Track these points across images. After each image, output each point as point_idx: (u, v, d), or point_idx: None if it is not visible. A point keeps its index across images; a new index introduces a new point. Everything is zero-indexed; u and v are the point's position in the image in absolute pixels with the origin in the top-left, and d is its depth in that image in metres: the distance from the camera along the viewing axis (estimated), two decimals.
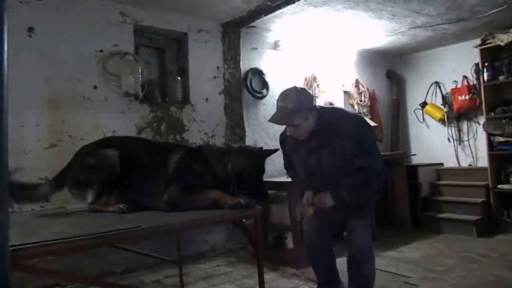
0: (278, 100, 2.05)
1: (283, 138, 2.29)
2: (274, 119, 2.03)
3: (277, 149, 1.96)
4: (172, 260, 2.53)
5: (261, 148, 1.99)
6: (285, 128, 2.20)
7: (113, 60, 3.36)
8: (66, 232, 1.40)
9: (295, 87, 2.10)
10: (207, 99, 3.90)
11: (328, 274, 2.34)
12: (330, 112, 2.15)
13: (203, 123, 3.83)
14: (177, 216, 1.60)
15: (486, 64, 4.59)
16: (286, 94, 2.04)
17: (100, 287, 2.65)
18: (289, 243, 3.87)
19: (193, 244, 3.60)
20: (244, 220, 1.74)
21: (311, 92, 2.19)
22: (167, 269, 3.23)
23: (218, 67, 4.01)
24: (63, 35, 3.13)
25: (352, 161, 2.00)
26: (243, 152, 1.87)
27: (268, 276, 3.15)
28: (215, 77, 3.98)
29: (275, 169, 4.25)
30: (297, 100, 1.98)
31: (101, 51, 3.32)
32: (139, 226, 1.42)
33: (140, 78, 3.41)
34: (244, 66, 4.17)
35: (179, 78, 3.79)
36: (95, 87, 3.26)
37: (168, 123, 3.62)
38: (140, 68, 3.42)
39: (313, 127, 2.05)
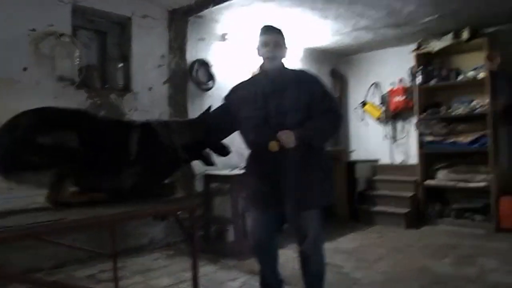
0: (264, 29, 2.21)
1: (235, 88, 2.31)
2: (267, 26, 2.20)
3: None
4: (107, 254, 2.43)
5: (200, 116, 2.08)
6: (239, 83, 2.32)
7: (48, 41, 3.12)
8: None
9: None
10: (150, 88, 3.77)
11: (272, 266, 2.33)
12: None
13: (145, 113, 3.69)
14: (107, 208, 1.54)
15: (420, 68, 4.92)
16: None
17: (24, 283, 2.50)
18: (231, 236, 3.89)
19: (131, 237, 3.49)
20: (179, 212, 1.71)
21: None
22: (102, 263, 3.08)
23: (163, 56, 3.89)
24: None
25: (314, 106, 2.09)
26: (185, 123, 1.90)
27: (208, 268, 3.15)
28: (159, 65, 3.86)
29: (219, 162, 4.25)
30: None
31: (34, 30, 3.07)
32: (65, 218, 1.34)
33: (77, 62, 3.21)
34: (190, 57, 4.09)
35: (121, 64, 3.63)
36: (25, 69, 3.01)
37: (107, 111, 3.44)
38: (77, 51, 3.22)
39: (281, 67, 2.19)
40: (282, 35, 2.20)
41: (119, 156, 1.67)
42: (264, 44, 2.16)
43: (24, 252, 2.84)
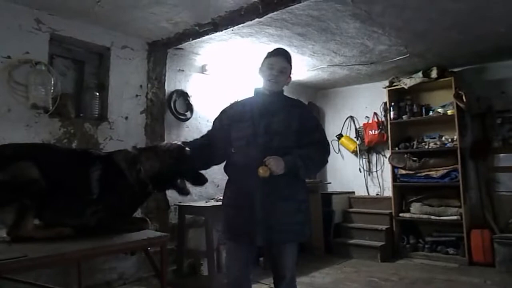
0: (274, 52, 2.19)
1: (229, 107, 2.29)
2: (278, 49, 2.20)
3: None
4: None
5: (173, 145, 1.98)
6: (232, 103, 2.39)
7: (22, 69, 3.07)
8: None
9: None
10: (126, 118, 3.74)
11: None
12: None
13: (120, 142, 3.64)
14: (73, 244, 1.48)
15: (392, 103, 5.11)
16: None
17: None
18: (204, 270, 3.79)
19: (99, 272, 3.32)
20: (149, 248, 1.66)
21: None
22: None
23: (141, 86, 3.89)
24: None
25: (305, 136, 2.06)
26: (160, 151, 1.85)
27: None
28: (137, 95, 3.85)
29: (195, 193, 4.19)
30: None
31: (9, 57, 3.03)
32: (26, 256, 1.28)
33: (52, 90, 3.16)
34: (169, 87, 4.11)
35: (97, 93, 3.60)
36: None
37: (81, 140, 3.38)
38: (53, 79, 3.17)
39: (279, 92, 2.18)
40: (290, 64, 2.18)
41: (81, 195, 1.63)
42: (269, 67, 2.11)
43: None
